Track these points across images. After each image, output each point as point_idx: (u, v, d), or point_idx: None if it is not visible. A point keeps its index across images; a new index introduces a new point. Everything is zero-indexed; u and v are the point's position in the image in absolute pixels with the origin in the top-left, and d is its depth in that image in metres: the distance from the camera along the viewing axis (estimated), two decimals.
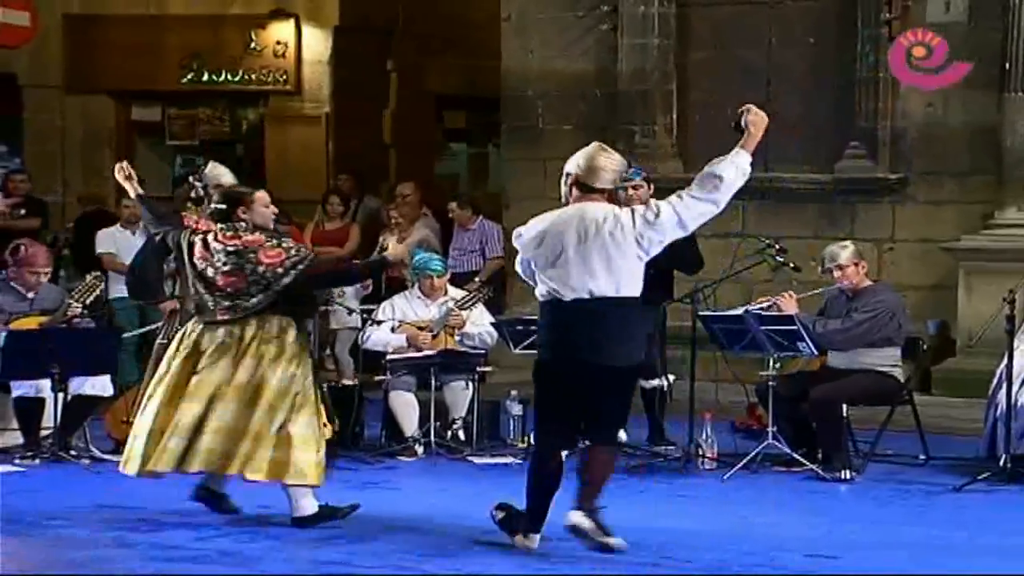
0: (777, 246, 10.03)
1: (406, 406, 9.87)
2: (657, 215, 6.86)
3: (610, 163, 6.96)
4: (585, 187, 6.93)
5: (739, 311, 9.39)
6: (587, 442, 7.05)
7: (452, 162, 19.11)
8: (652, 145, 13.19)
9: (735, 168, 6.87)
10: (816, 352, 9.27)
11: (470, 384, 9.98)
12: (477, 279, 12.61)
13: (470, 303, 10.18)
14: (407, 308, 10.33)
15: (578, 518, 6.79)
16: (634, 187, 10.14)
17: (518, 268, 7.13)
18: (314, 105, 17.28)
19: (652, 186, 10.35)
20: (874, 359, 9.32)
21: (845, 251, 9.44)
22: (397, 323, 10.19)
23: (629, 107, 13.33)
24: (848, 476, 8.92)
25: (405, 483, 8.96)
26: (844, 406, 9.18)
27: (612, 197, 9.53)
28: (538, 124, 13.78)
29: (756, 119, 6.94)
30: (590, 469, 6.90)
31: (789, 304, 9.36)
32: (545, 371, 6.93)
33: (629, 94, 13.32)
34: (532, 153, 13.71)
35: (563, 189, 7.04)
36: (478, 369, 10.13)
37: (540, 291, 6.91)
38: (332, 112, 17.20)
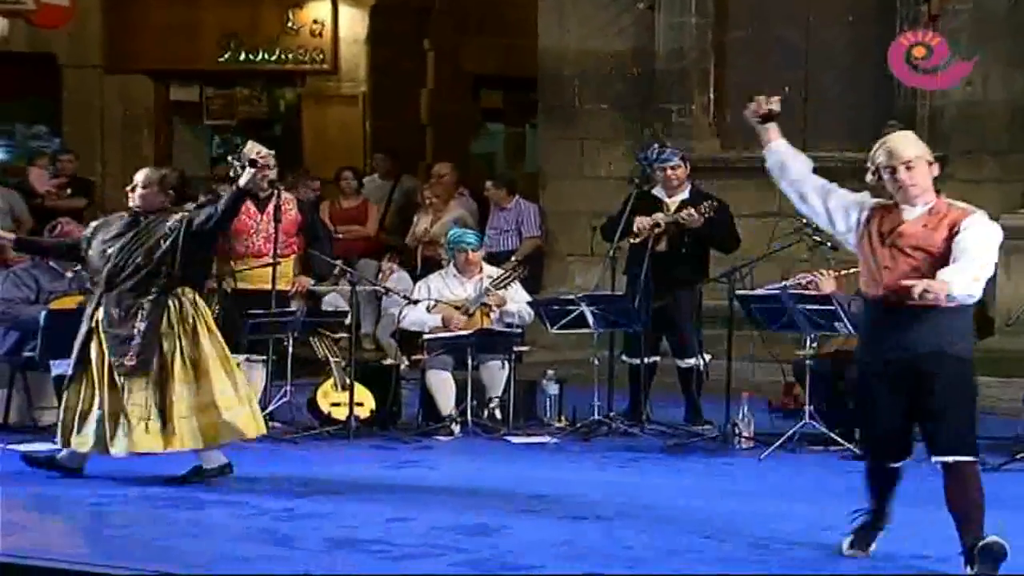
0: (814, 225, 10.00)
1: (443, 385, 9.90)
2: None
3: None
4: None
5: (776, 290, 9.37)
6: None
7: (488, 141, 19.12)
8: (690, 124, 13.16)
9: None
10: (854, 331, 9.23)
11: (506, 363, 10.00)
12: (514, 258, 12.62)
13: (506, 282, 10.19)
14: (443, 287, 10.35)
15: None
16: (672, 168, 10.16)
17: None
18: (351, 85, 17.32)
19: (689, 166, 10.36)
20: None
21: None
22: (433, 303, 10.22)
23: (666, 86, 13.30)
24: None
25: (442, 462, 8.98)
26: None
27: (653, 177, 9.49)
28: (575, 103, 13.76)
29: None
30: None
31: (827, 283, 9.32)
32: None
33: (667, 73, 13.29)
34: (569, 133, 13.70)
35: (930, 179, 6.43)
36: (514, 348, 10.15)
37: (975, 292, 6.14)
38: (369, 92, 17.24)
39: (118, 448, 7.74)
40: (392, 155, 15.25)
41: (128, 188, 7.99)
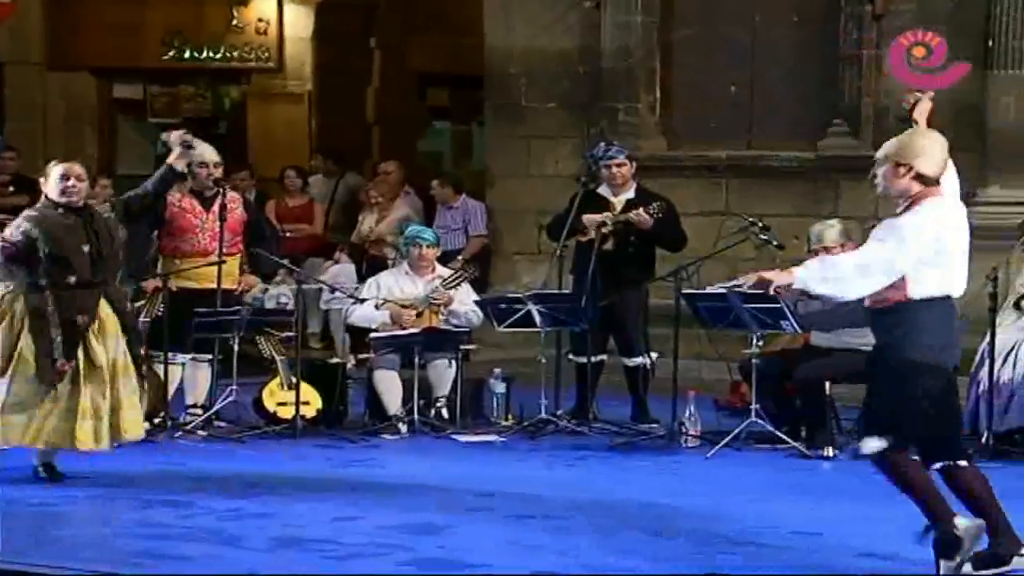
0: (760, 224, 10.06)
1: (390, 384, 9.89)
2: None
3: (943, 154, 6.45)
4: (929, 180, 6.34)
5: (723, 288, 9.40)
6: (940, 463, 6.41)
7: (435, 140, 19.11)
8: (636, 123, 13.18)
9: None
10: (799, 330, 9.30)
11: (454, 362, 10.00)
12: (460, 257, 12.62)
13: (456, 282, 10.20)
14: (393, 285, 10.33)
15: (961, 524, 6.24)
16: (617, 164, 10.20)
17: (896, 265, 6.19)
18: (297, 83, 17.27)
19: (636, 164, 10.40)
20: (857, 339, 9.30)
21: (831, 231, 9.44)
22: (381, 300, 10.21)
23: (613, 85, 13.32)
24: (831, 453, 8.96)
25: (389, 461, 8.98)
26: (828, 384, 9.21)
27: (598, 175, 9.54)
28: (521, 102, 13.75)
29: (925, 106, 6.80)
30: (980, 490, 6.32)
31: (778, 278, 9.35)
32: (946, 378, 6.29)
33: (613, 72, 13.31)
34: (515, 131, 13.70)
35: (896, 182, 6.31)
36: (462, 347, 10.15)
37: (930, 287, 6.19)
38: (315, 90, 17.19)
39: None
40: (332, 155, 15.23)
41: (80, 182, 7.92)
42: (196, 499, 7.55)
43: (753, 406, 9.21)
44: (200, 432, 9.39)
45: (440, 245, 10.63)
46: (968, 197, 11.87)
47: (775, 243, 10.09)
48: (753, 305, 9.09)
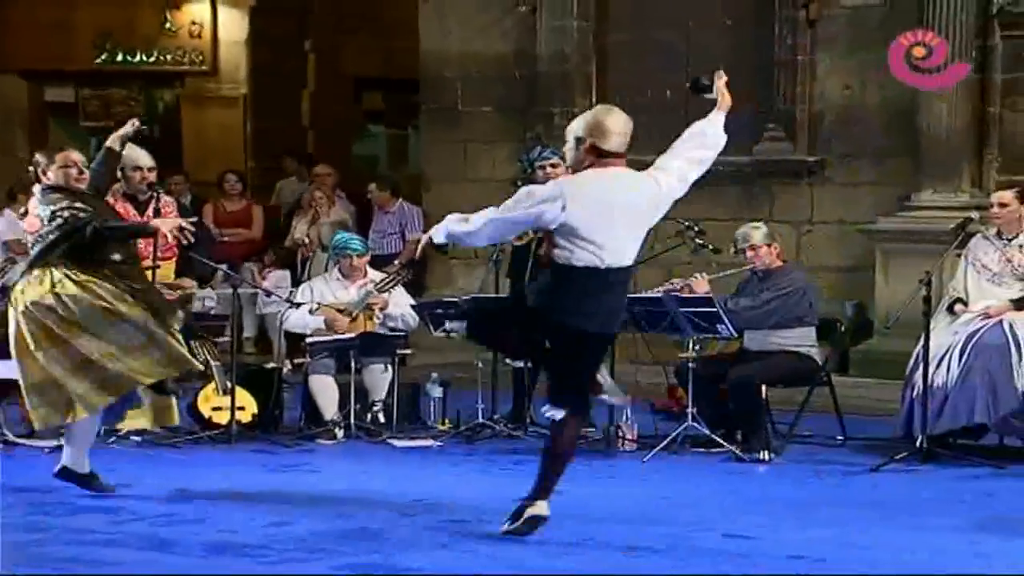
0: (696, 228, 10.11)
1: (326, 389, 9.86)
2: (679, 180, 6.85)
3: (622, 125, 6.73)
4: (603, 152, 6.67)
5: (658, 293, 9.44)
6: (556, 413, 6.86)
7: (370, 144, 19.09)
8: None
9: (719, 128, 6.99)
10: (735, 334, 9.35)
11: (390, 367, 9.98)
12: (397, 262, 12.60)
13: (390, 285, 10.17)
14: (326, 290, 10.31)
15: (545, 509, 6.77)
16: (552, 165, 10.19)
17: (511, 223, 6.77)
18: (231, 86, 17.21)
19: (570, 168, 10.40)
20: (788, 339, 9.41)
21: (758, 232, 9.57)
22: (316, 305, 10.17)
23: (549, 89, 13.35)
24: (767, 457, 9.00)
25: (324, 466, 8.95)
26: (763, 387, 9.26)
27: (534, 177, 9.58)
28: (457, 106, 13.77)
29: (723, 84, 7.07)
30: (563, 444, 6.86)
31: (700, 286, 9.48)
32: (581, 337, 6.71)
33: (549, 76, 13.34)
34: (451, 135, 13.71)
35: (571, 155, 6.78)
36: (398, 351, 10.13)
37: (570, 256, 6.62)
38: (249, 93, 17.14)
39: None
40: (301, 159, 15.23)
41: (83, 171, 7.87)
42: (128, 504, 7.48)
43: (689, 410, 9.24)
44: (134, 437, 9.31)
45: (369, 252, 10.59)
46: (902, 201, 12.14)
47: (711, 247, 10.13)
48: (689, 309, 9.13)
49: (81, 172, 7.86)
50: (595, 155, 6.70)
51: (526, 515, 6.78)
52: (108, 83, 17.67)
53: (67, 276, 7.60)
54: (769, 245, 9.48)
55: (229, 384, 9.60)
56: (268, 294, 11.15)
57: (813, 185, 12.73)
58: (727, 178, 12.81)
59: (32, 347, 7.58)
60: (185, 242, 8.60)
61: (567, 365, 6.83)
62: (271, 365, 10.64)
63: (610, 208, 6.65)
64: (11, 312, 7.72)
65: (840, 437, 9.61)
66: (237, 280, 10.47)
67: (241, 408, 9.67)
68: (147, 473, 8.27)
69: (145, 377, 7.62)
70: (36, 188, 7.86)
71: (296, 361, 10.28)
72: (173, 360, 7.65)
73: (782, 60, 12.66)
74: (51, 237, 7.67)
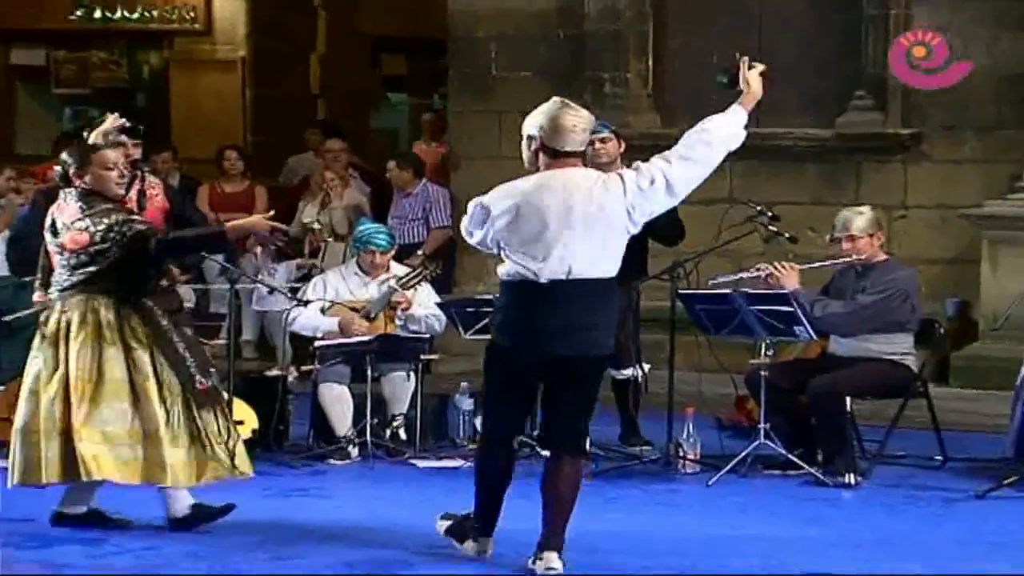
0: (770, 213, 10.09)
1: (338, 400, 9.90)
2: (652, 182, 6.93)
3: (578, 121, 6.93)
4: (555, 152, 6.91)
5: (726, 287, 9.44)
6: (546, 452, 7.14)
7: (391, 115, 19.16)
8: (624, 96, 13.24)
9: (730, 126, 6.97)
10: (815, 336, 9.34)
11: (412, 375, 10.01)
12: (420, 252, 12.63)
13: (414, 281, 10.20)
14: (341, 286, 10.34)
15: (556, 562, 6.87)
16: (601, 140, 10.19)
17: (473, 240, 7.14)
18: (228, 48, 17.28)
19: (623, 143, 10.42)
20: (883, 346, 9.39)
21: (860, 218, 9.45)
22: (328, 303, 10.22)
23: (597, 52, 13.37)
24: (853, 481, 9.00)
25: (337, 490, 8.99)
26: (848, 399, 9.25)
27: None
28: (491, 71, 13.80)
29: (754, 73, 7.05)
30: (556, 486, 6.97)
31: (789, 278, 9.40)
32: (503, 358, 7.00)
33: (598, 36, 13.36)
34: (484, 105, 13.74)
35: (526, 155, 7.02)
36: (422, 357, 10.16)
37: (507, 270, 6.95)
38: (249, 56, 17.21)
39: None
40: (331, 132, 15.24)
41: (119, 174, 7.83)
42: (109, 536, 7.54)
43: (761, 425, 9.24)
44: None
45: (395, 246, 10.60)
46: (1014, 182, 12.08)
47: (787, 235, 10.12)
48: (761, 307, 9.12)
49: (122, 175, 7.83)
50: (548, 155, 6.90)
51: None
52: (85, 44, 17.77)
53: (114, 319, 7.60)
54: (871, 235, 9.41)
55: (226, 395, 9.65)
56: (272, 290, 11.19)
57: (907, 163, 12.71)
58: (806, 155, 12.85)
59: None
60: (280, 244, 8.58)
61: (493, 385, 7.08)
62: (274, 372, 10.69)
63: (553, 214, 6.81)
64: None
65: (939, 457, 9.59)
66: (235, 274, 10.51)
67: (239, 423, 9.68)
68: (132, 500, 8.31)
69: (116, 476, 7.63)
70: (70, 193, 7.80)
71: (304, 368, 10.33)
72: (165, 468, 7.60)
73: (871, 15, 12.65)
74: (110, 256, 7.58)
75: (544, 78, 13.50)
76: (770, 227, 10.04)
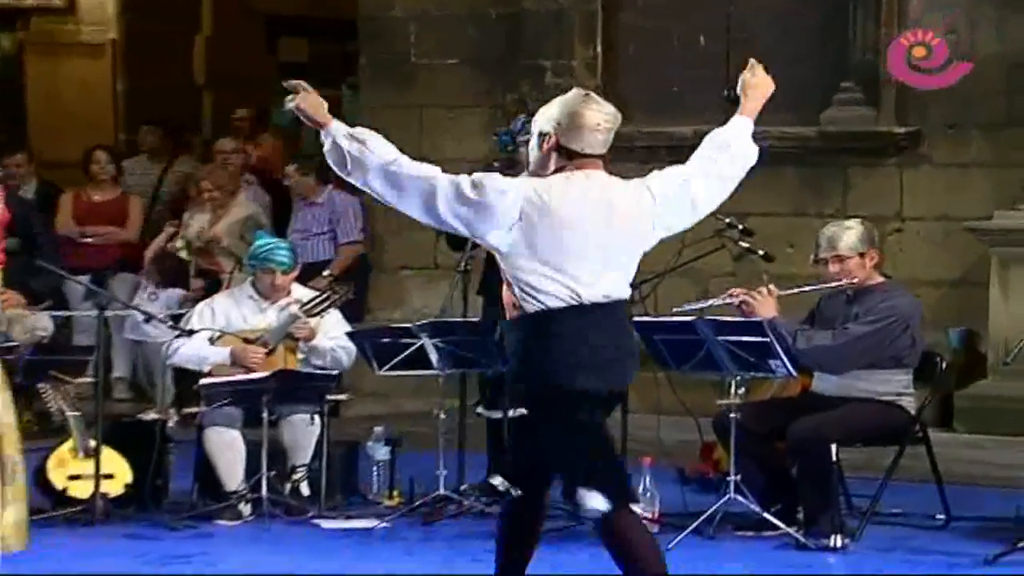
0: (740, 226, 10.15)
1: (228, 448, 9.90)
2: (683, 186, 6.86)
3: (603, 119, 6.77)
4: (572, 154, 6.72)
5: (690, 314, 9.47)
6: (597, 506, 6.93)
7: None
8: (569, 87, 13.23)
9: (745, 137, 7.08)
10: (795, 372, 9.37)
11: (317, 418, 10.02)
12: (327, 273, 12.64)
13: (320, 308, 10.21)
14: (233, 312, 10.34)
15: None
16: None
17: (456, 222, 6.78)
18: (94, 29, 17.26)
19: None
20: (876, 384, 9.43)
21: (849, 234, 9.42)
22: (218, 333, 10.21)
23: (537, 35, 13.41)
24: (840, 543, 9.04)
25: (225, 556, 8.98)
26: (835, 447, 9.30)
27: (515, 157, 9.66)
28: (410, 57, 13.83)
29: (758, 81, 7.09)
30: (637, 544, 6.88)
31: (766, 305, 9.42)
32: (587, 402, 6.72)
33: (537, 16, 13.40)
34: (403, 97, 13.77)
35: (533, 155, 6.85)
36: (328, 397, 10.17)
37: (548, 289, 6.71)
38: (120, 39, 17.17)
39: None
40: (164, 126, 15.20)
41: None
42: None
43: (731, 477, 9.28)
44: None
45: (298, 265, 10.59)
46: None
47: (761, 252, 10.18)
48: (731, 338, 9.16)
49: None
50: (563, 157, 6.74)
51: None
52: None
53: None
54: (862, 255, 9.42)
55: (93, 443, 9.62)
56: (148, 318, 11.17)
57: (903, 166, 12.80)
58: (784, 157, 12.88)
59: None
60: None
61: (584, 440, 6.80)
62: (152, 416, 10.66)
63: (585, 226, 6.67)
64: None
65: (941, 516, 9.65)
66: (105, 298, 10.49)
67: (109, 476, 9.69)
68: None
69: None
70: None
71: (187, 410, 10.32)
72: None
73: None
74: None
75: (473, 66, 13.56)
76: (741, 242, 10.11)
